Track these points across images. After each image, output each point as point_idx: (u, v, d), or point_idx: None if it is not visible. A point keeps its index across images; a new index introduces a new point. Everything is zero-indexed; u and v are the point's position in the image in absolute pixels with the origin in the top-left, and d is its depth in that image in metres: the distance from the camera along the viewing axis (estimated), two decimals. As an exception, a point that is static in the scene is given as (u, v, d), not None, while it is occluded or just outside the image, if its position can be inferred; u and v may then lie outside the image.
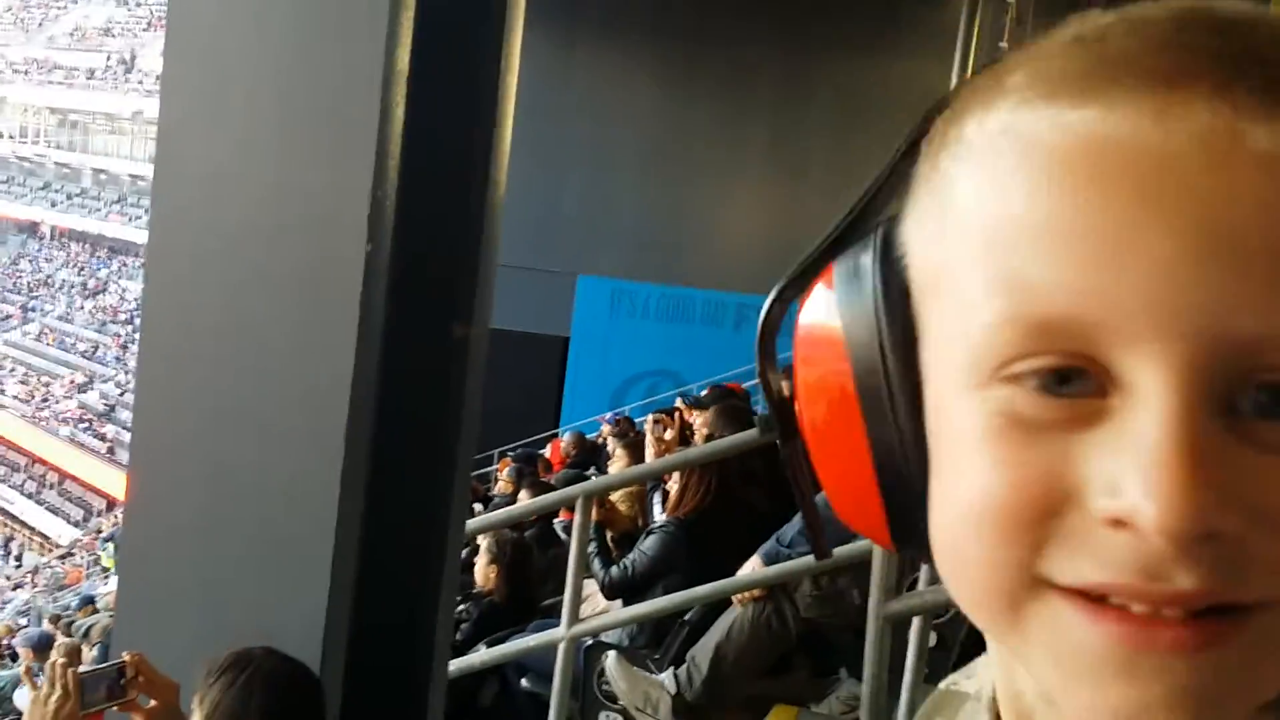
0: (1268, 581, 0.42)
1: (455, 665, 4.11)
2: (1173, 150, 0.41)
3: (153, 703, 2.24)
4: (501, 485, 8.32)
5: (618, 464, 6.34)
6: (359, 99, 2.29)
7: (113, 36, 54.95)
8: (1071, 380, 0.42)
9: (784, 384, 0.55)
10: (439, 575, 2.64)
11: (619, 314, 13.14)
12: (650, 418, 6.76)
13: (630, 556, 4.26)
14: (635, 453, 6.46)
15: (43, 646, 7.87)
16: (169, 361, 2.41)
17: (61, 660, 2.21)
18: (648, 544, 4.24)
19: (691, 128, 12.78)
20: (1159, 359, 0.41)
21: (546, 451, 9.60)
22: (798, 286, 0.54)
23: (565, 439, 9.50)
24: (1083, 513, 0.42)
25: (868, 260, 0.50)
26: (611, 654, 4.15)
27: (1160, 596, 0.41)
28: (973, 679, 0.64)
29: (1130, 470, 0.41)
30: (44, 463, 39.82)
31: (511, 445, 10.46)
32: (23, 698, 6.68)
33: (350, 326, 2.34)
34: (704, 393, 7.03)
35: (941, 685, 0.67)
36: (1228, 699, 0.43)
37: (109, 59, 53.87)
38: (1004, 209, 0.44)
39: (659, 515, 4.83)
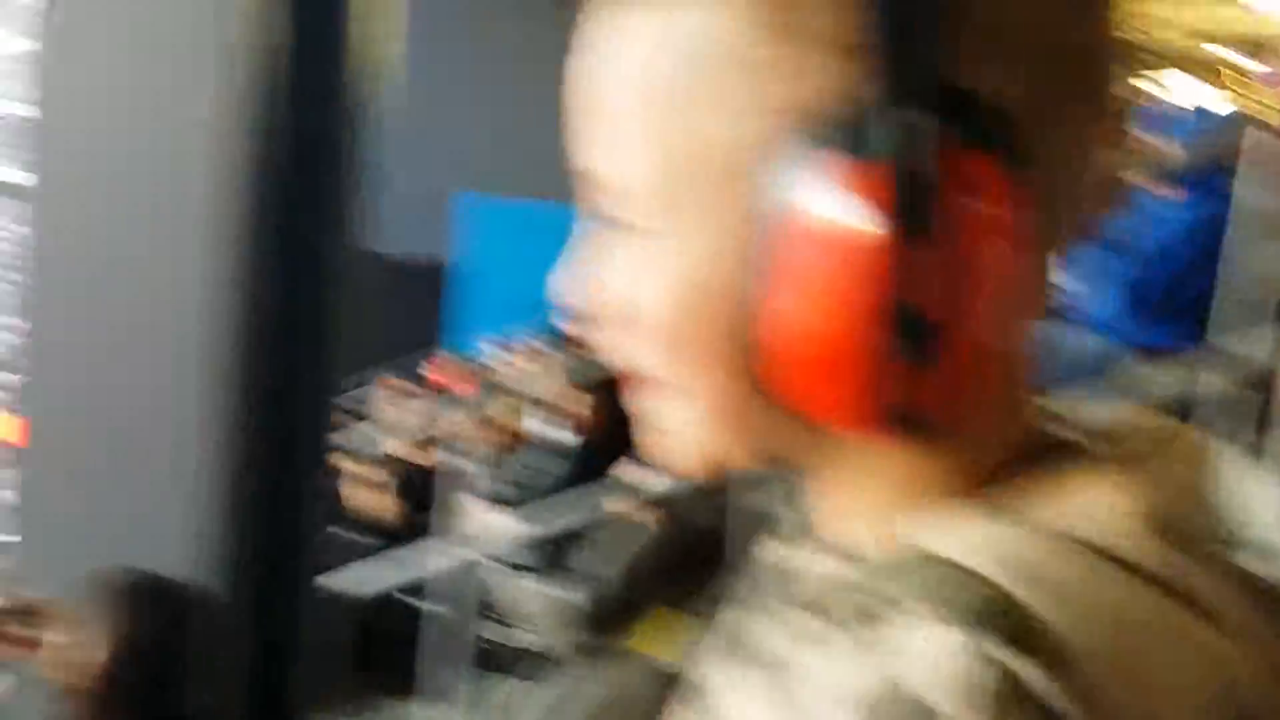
0: None
1: (346, 585, 4.15)
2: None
3: (63, 639, 2.26)
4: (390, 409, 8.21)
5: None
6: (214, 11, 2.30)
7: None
8: None
9: None
10: (309, 493, 2.70)
11: (505, 236, 12.95)
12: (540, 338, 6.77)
13: (530, 475, 4.32)
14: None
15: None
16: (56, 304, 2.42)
17: None
18: (552, 464, 4.30)
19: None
20: None
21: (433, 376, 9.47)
22: None
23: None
24: None
25: None
26: (503, 568, 4.23)
27: None
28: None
29: None
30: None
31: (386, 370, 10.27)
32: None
33: (213, 246, 2.37)
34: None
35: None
36: None
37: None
38: None
39: (548, 433, 4.86)
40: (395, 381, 8.77)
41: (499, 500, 4.43)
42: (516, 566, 4.26)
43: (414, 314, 13.03)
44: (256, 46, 2.33)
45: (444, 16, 12.09)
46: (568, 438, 4.64)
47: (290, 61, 2.43)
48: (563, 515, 4.07)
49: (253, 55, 2.34)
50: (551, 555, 4.25)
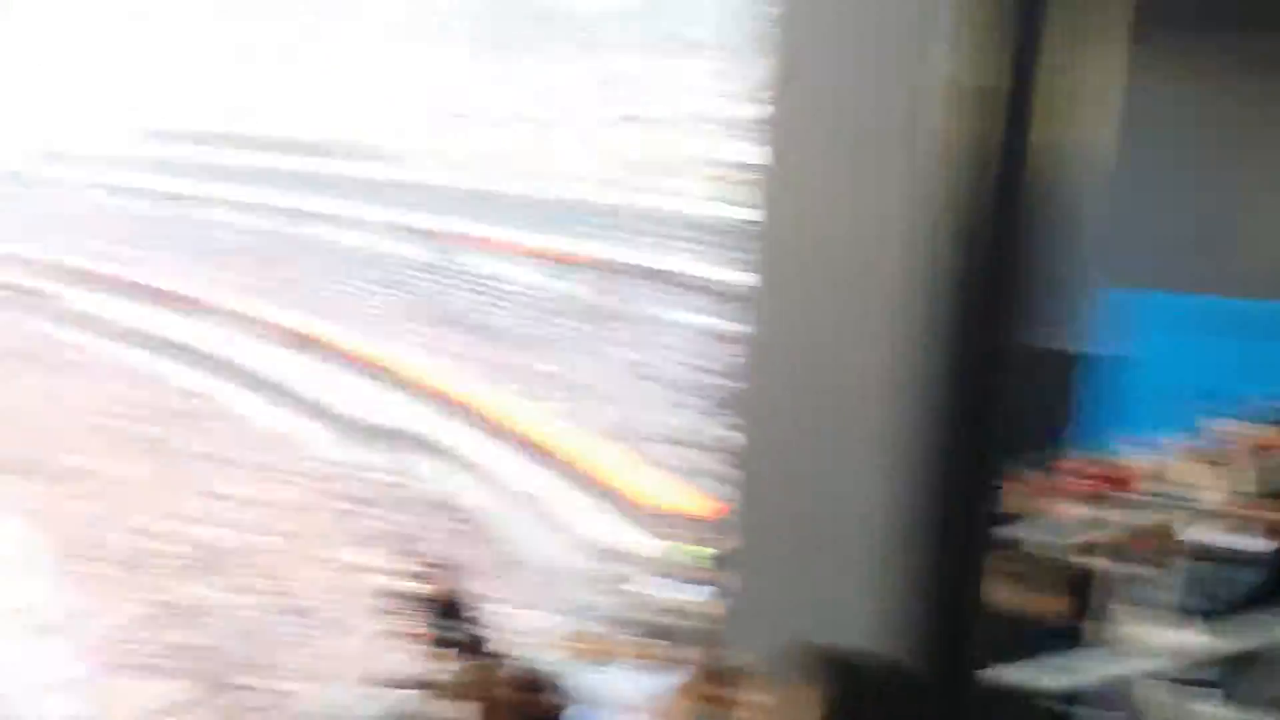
0: None
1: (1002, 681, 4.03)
2: None
3: (766, 701, 2.39)
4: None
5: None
6: (921, 119, 2.37)
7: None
8: None
9: None
10: (976, 581, 2.68)
11: (1161, 331, 12.23)
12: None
13: (1213, 587, 4.04)
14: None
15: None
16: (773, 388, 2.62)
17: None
18: (1239, 575, 4.00)
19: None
20: None
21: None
22: None
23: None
24: None
25: None
26: (1174, 685, 3.95)
27: None
28: None
29: None
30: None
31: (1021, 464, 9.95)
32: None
33: (907, 343, 2.42)
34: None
35: None
36: None
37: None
38: None
39: (1232, 542, 4.48)
40: (1034, 477, 8.51)
41: (1171, 610, 4.14)
42: (1192, 684, 3.95)
43: (1046, 407, 12.57)
44: (961, 157, 2.40)
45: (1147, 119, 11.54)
46: (1259, 547, 4.24)
47: (991, 167, 2.49)
48: (1252, 632, 3.72)
49: (956, 164, 2.42)
50: (1238, 675, 3.90)
